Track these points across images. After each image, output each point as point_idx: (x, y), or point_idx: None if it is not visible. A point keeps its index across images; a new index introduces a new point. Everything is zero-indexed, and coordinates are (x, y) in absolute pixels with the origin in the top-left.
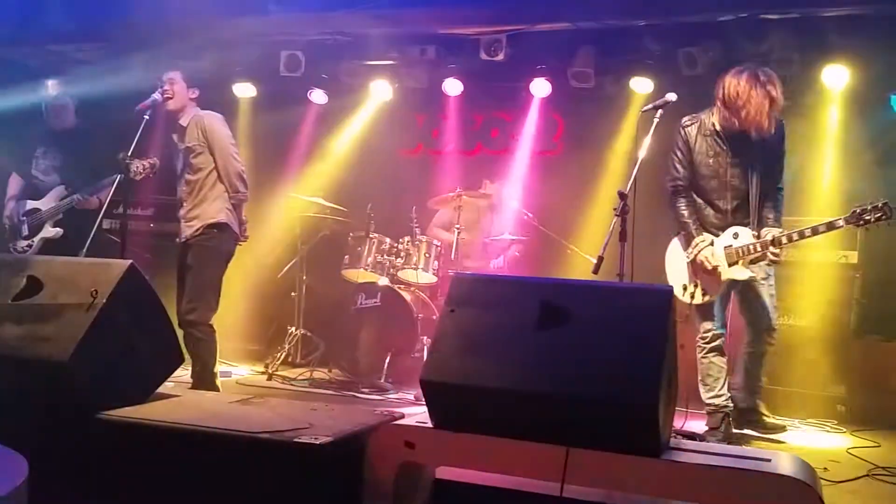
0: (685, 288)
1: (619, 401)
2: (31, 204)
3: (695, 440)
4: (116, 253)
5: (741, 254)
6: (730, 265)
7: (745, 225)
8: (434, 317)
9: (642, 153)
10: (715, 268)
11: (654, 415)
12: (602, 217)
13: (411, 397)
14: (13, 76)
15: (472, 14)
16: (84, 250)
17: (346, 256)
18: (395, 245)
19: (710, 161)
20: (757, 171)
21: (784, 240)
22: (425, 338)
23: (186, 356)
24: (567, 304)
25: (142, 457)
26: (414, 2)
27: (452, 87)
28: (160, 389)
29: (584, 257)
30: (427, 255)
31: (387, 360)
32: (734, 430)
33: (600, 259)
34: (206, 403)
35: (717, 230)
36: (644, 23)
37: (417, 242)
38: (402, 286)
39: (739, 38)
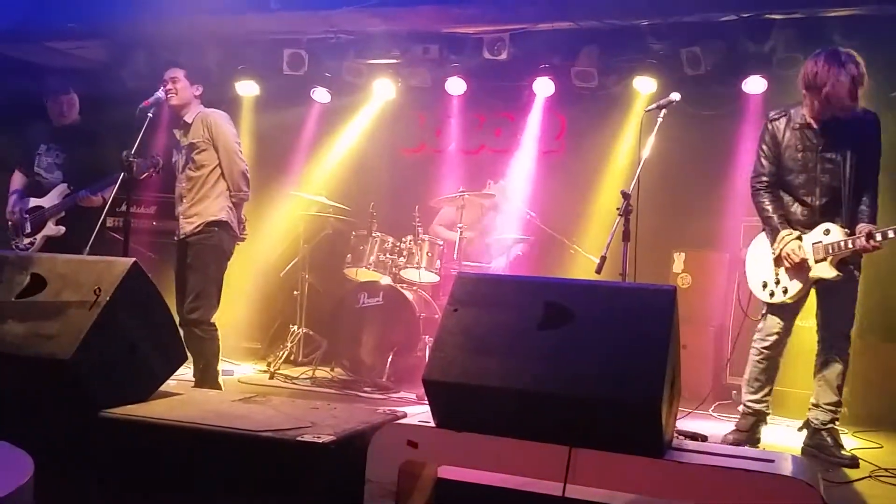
0: (765, 285)
1: (622, 401)
2: (33, 201)
3: (697, 440)
4: (119, 251)
5: (831, 251)
6: (817, 262)
7: (836, 222)
8: (436, 316)
9: (646, 153)
10: (802, 262)
11: (656, 415)
12: (605, 217)
13: (413, 396)
14: (16, 73)
15: (476, 13)
16: (87, 248)
17: (349, 255)
18: (398, 244)
19: (799, 155)
20: (849, 165)
21: (879, 235)
22: (427, 337)
23: (188, 354)
24: (570, 304)
25: (144, 455)
26: (417, 0)
27: (455, 86)
28: (163, 388)
29: (587, 257)
30: (429, 254)
31: (389, 359)
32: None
33: (603, 259)
34: (209, 402)
35: (803, 227)
36: (647, 22)
37: (420, 241)
38: (404, 285)
39: (743, 38)
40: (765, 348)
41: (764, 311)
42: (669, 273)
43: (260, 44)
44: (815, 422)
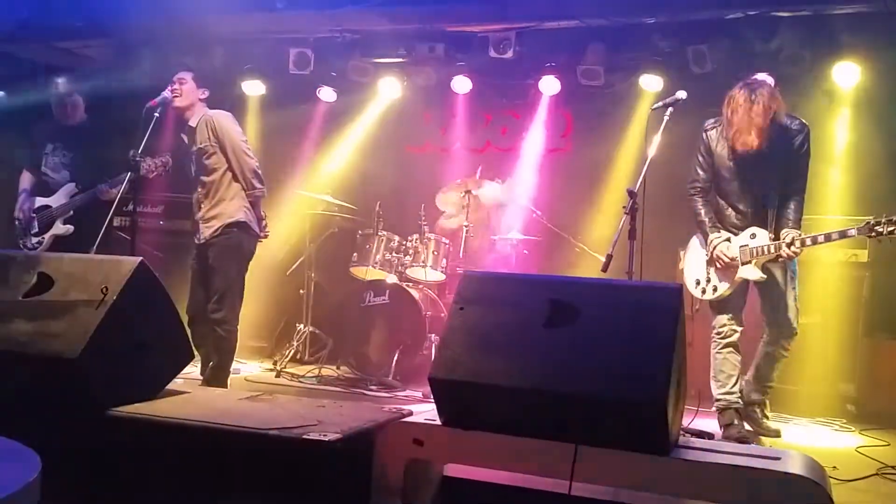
0: (697, 283)
1: (628, 399)
2: (41, 201)
3: (704, 438)
4: (127, 250)
5: (756, 254)
6: (743, 264)
7: (764, 227)
8: (442, 314)
9: (652, 151)
10: (731, 262)
11: (662, 413)
12: (611, 215)
13: (419, 395)
14: (22, 73)
15: (482, 11)
16: (94, 248)
17: (355, 254)
18: (404, 243)
19: (731, 164)
20: (777, 174)
21: (798, 243)
22: (433, 335)
23: (196, 353)
24: (576, 302)
25: (151, 453)
26: None
27: (461, 84)
28: (169, 386)
29: (592, 255)
30: (435, 252)
31: (395, 358)
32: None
33: (609, 257)
34: (216, 400)
35: (737, 230)
36: (653, 20)
37: (426, 240)
38: (410, 284)
39: (749, 36)
40: (721, 341)
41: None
42: (676, 271)
43: (266, 43)
44: (750, 397)
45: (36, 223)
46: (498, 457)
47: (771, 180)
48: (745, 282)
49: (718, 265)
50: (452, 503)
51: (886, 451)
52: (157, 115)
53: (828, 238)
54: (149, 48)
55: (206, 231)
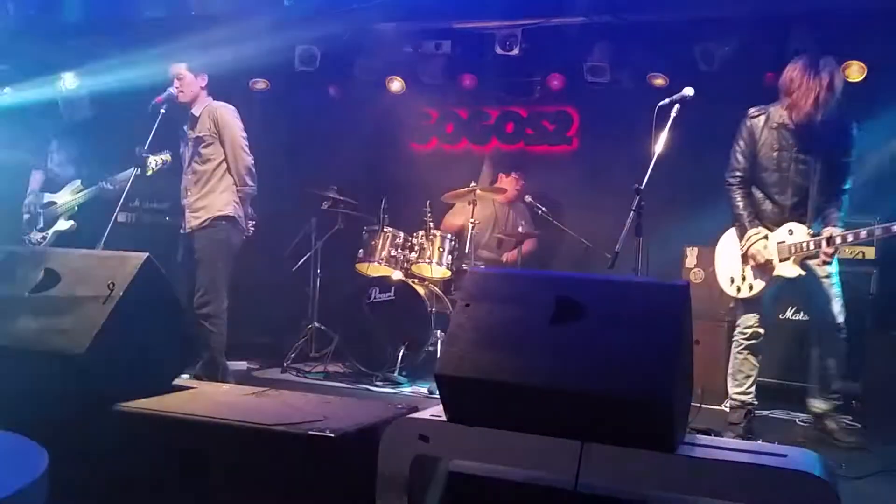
0: (732, 280)
1: (634, 396)
2: (48, 197)
3: (709, 435)
4: (132, 246)
5: (793, 250)
6: (781, 261)
7: (803, 222)
8: (447, 311)
9: (658, 148)
10: (767, 262)
11: (668, 410)
12: (617, 212)
13: (425, 391)
14: (28, 69)
15: (488, 9)
16: (101, 243)
17: (360, 250)
18: (409, 239)
19: (774, 154)
20: (820, 168)
21: (838, 240)
22: (439, 332)
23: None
24: (582, 299)
25: (158, 448)
26: None
27: (467, 81)
28: (176, 381)
29: (599, 252)
30: (441, 249)
31: (400, 354)
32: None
33: (616, 254)
34: (222, 396)
35: (773, 225)
36: (661, 18)
37: (431, 237)
38: (415, 280)
39: (757, 34)
40: (744, 341)
41: (731, 305)
42: (682, 268)
43: (272, 40)
44: (816, 409)
45: (41, 219)
46: (504, 453)
47: (814, 173)
48: (781, 280)
49: (753, 263)
50: (458, 499)
51: (894, 448)
52: (162, 111)
53: (870, 234)
54: (155, 45)
55: (192, 220)
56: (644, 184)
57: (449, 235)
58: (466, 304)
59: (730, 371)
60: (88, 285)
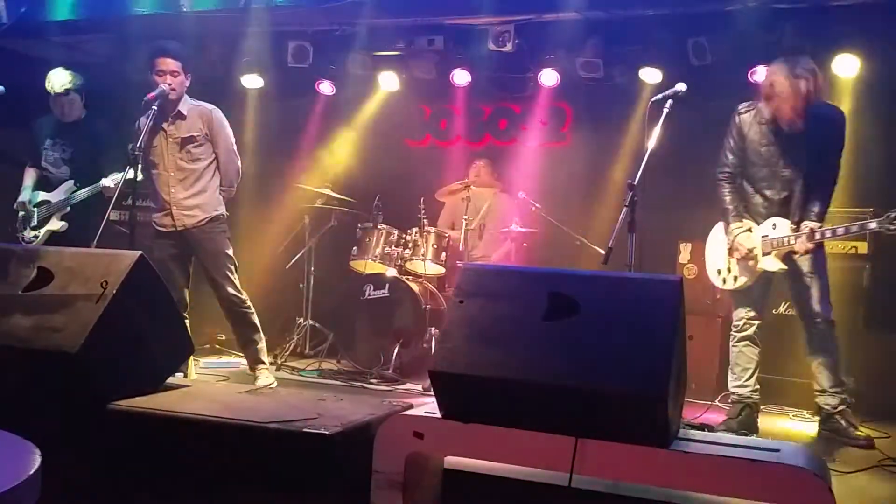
0: (719, 272)
1: (628, 391)
2: (42, 195)
3: (703, 430)
4: (125, 244)
5: (775, 245)
6: (764, 254)
7: (787, 216)
8: (442, 308)
9: (651, 144)
10: (750, 254)
11: (662, 405)
12: (611, 208)
13: (419, 388)
14: (20, 68)
15: (481, 4)
16: (94, 242)
17: (354, 247)
18: (403, 236)
19: (762, 150)
20: (808, 162)
21: (818, 235)
22: (433, 329)
23: (195, 346)
24: (576, 295)
25: (152, 446)
26: None
27: (460, 77)
28: (170, 380)
29: (592, 248)
30: (435, 246)
31: (395, 351)
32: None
33: (609, 250)
34: (216, 394)
35: (761, 219)
36: (653, 12)
37: (426, 233)
38: (410, 277)
39: (750, 28)
40: (737, 334)
41: (718, 297)
42: (676, 264)
43: (264, 36)
44: (827, 407)
45: (35, 217)
46: (498, 449)
47: (801, 168)
48: (768, 273)
49: (737, 256)
50: (452, 496)
51: (887, 443)
52: (154, 108)
53: (847, 231)
54: (146, 43)
55: (186, 219)
56: (637, 179)
57: (443, 232)
58: (460, 300)
59: (730, 365)
60: (82, 283)
